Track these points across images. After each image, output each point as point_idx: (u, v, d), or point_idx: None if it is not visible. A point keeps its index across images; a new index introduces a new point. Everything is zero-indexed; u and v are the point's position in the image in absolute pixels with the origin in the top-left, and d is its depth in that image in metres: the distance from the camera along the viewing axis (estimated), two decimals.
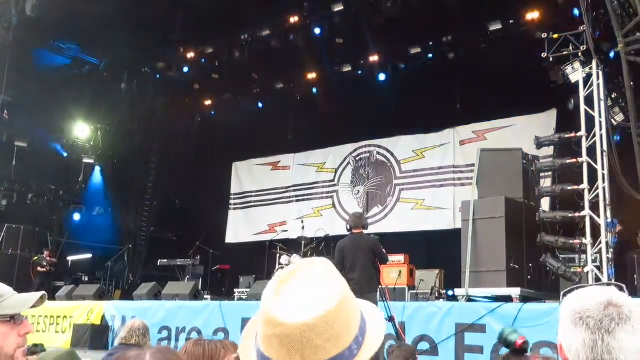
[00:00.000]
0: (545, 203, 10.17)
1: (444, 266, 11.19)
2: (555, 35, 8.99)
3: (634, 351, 1.38)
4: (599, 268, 8.03)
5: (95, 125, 17.09)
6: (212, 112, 17.67)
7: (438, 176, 14.20)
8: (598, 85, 8.59)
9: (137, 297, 11.49)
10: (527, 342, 2.43)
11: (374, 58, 14.31)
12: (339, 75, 15.02)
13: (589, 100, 8.63)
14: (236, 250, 16.52)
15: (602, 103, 8.54)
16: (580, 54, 8.71)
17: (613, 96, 9.02)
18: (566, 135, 8.75)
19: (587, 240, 8.10)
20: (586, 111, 8.59)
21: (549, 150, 10.27)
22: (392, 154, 15.12)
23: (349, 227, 7.84)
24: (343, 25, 13.15)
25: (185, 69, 15.87)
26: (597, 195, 8.22)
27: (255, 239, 16.32)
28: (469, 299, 7.91)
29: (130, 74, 16.18)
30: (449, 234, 12.31)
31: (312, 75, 15.31)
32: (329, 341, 1.14)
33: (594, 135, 8.46)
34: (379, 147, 15.36)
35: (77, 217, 17.04)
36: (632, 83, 7.64)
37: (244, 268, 14.03)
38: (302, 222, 13.09)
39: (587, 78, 8.77)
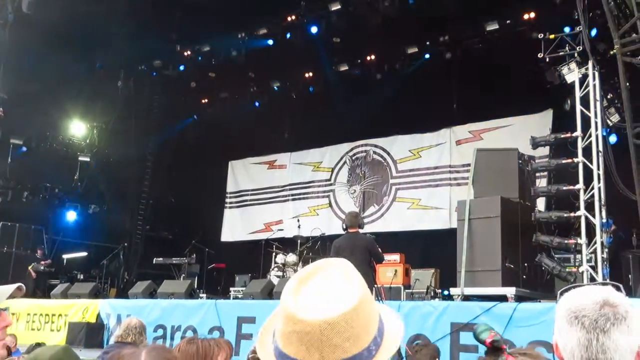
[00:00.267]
0: (540, 203, 10.19)
1: (440, 265, 11.20)
2: (552, 36, 9.01)
3: (629, 351, 1.39)
4: (594, 268, 8.05)
5: (91, 123, 17.06)
6: (209, 111, 17.66)
7: (434, 176, 14.22)
8: (594, 85, 8.62)
9: (132, 296, 11.46)
10: (497, 340, 2.42)
11: (371, 57, 14.34)
12: (335, 75, 15.03)
13: (585, 101, 8.65)
14: (232, 248, 16.53)
15: (598, 103, 8.57)
16: (576, 55, 8.73)
17: (609, 97, 9.05)
18: (562, 136, 8.77)
19: (582, 240, 8.12)
20: (582, 111, 8.62)
21: (545, 151, 10.29)
22: (388, 154, 15.13)
23: (344, 226, 7.85)
24: (340, 25, 13.16)
25: (182, 68, 15.86)
26: (593, 196, 8.25)
27: (251, 238, 16.33)
28: (465, 298, 7.92)
29: (127, 72, 16.17)
30: (444, 234, 12.33)
31: (308, 74, 15.33)
32: (348, 340, 1.15)
33: (590, 136, 8.48)
34: (375, 146, 15.37)
35: (72, 215, 17.00)
36: (627, 84, 7.66)
37: (239, 267, 14.03)
38: (298, 221, 13.11)
39: (583, 79, 8.79)
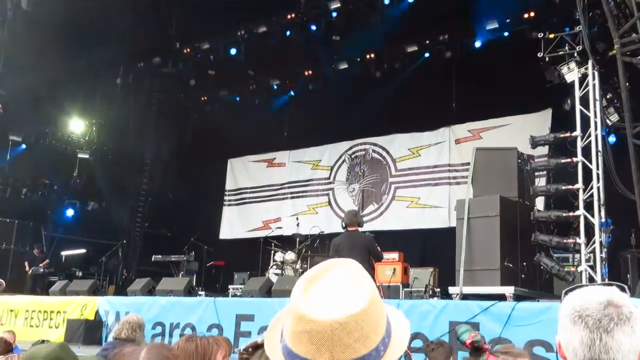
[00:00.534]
0: (539, 202, 10.19)
1: (438, 264, 11.21)
2: (552, 35, 9.02)
3: (632, 352, 1.39)
4: (593, 267, 8.07)
5: (90, 120, 17.04)
6: (208, 108, 17.64)
7: (433, 174, 14.22)
8: (593, 85, 8.63)
9: (131, 293, 11.46)
10: (478, 341, 2.42)
11: (371, 56, 14.33)
12: (335, 73, 15.02)
13: (584, 101, 8.66)
14: (230, 246, 16.53)
15: (598, 103, 8.57)
16: (576, 54, 8.74)
17: (608, 96, 9.05)
18: (561, 135, 8.78)
19: (581, 239, 8.13)
20: (581, 111, 8.63)
21: (544, 150, 10.30)
22: (387, 152, 15.13)
23: (344, 225, 7.86)
24: (340, 23, 13.15)
25: (181, 65, 15.84)
26: (592, 195, 8.26)
27: (250, 236, 16.32)
28: (463, 297, 7.93)
29: (126, 69, 16.14)
30: (443, 233, 12.33)
31: (308, 72, 15.32)
32: (358, 340, 1.15)
33: (589, 135, 8.49)
34: (375, 145, 15.37)
35: (71, 212, 16.99)
36: (627, 84, 7.66)
37: (238, 264, 14.04)
38: (297, 219, 13.10)
39: (583, 78, 8.80)
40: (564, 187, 8.54)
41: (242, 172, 17.75)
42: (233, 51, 14.79)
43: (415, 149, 14.65)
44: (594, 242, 8.13)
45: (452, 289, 8.23)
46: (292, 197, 16.49)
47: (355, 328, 1.14)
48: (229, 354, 2.83)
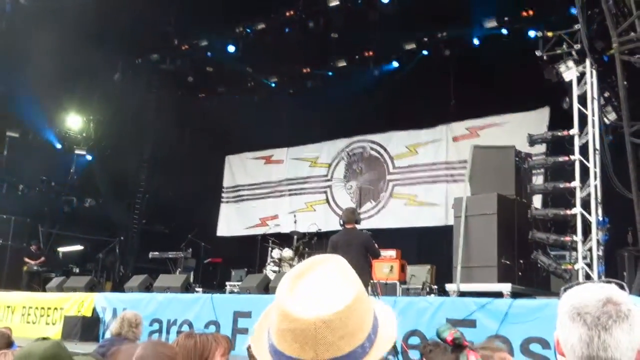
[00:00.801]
0: (537, 200, 10.21)
1: (436, 262, 11.23)
2: (550, 34, 9.01)
3: (630, 349, 1.39)
4: (590, 265, 8.08)
5: (88, 116, 17.03)
6: (206, 105, 17.62)
7: (431, 172, 14.23)
8: (591, 83, 8.63)
9: (128, 289, 11.46)
10: (458, 337, 2.47)
11: (369, 53, 14.32)
12: (333, 70, 15.02)
13: (582, 99, 8.68)
14: (228, 243, 16.53)
15: (595, 102, 8.59)
16: (574, 53, 8.74)
17: (606, 95, 9.06)
18: (559, 133, 8.79)
19: (578, 237, 8.15)
20: (579, 109, 8.64)
21: (541, 148, 10.31)
22: (385, 150, 15.13)
23: (341, 222, 7.87)
24: (338, 20, 13.14)
25: (179, 62, 15.81)
26: (589, 193, 8.27)
27: (247, 233, 16.33)
28: (460, 294, 7.95)
29: (124, 66, 16.11)
30: (440, 230, 12.34)
31: (306, 70, 15.30)
32: (342, 338, 1.15)
33: (587, 134, 8.51)
34: (372, 142, 15.37)
35: (68, 208, 16.96)
36: (625, 82, 7.67)
37: (235, 261, 14.04)
38: (295, 216, 13.11)
39: (581, 77, 8.81)
40: (561, 185, 8.55)
41: (240, 169, 17.74)
42: (231, 48, 14.77)
43: (412, 146, 14.65)
44: (590, 240, 8.14)
45: (449, 286, 8.25)
46: (290, 195, 16.49)
47: (340, 326, 1.14)
48: (228, 352, 2.83)
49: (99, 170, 17.18)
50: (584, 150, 8.50)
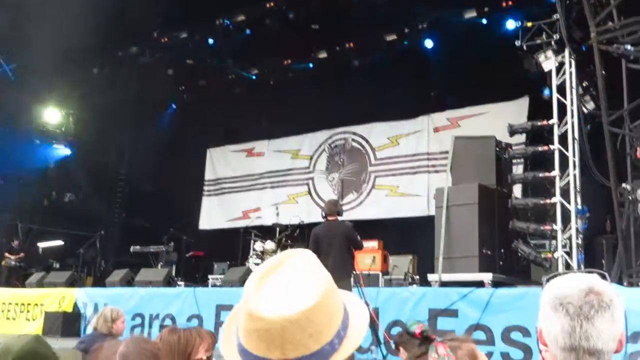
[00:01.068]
0: (517, 190, 10.29)
1: (418, 252, 11.28)
2: (529, 24, 9.07)
3: (611, 338, 1.40)
4: (569, 253, 8.18)
5: (66, 110, 16.83)
6: (186, 98, 17.49)
7: (412, 163, 14.27)
8: (570, 73, 8.71)
9: (109, 284, 11.39)
10: (426, 330, 2.55)
11: (350, 45, 14.28)
12: (314, 62, 14.97)
13: (561, 89, 8.75)
14: (210, 236, 16.47)
15: (574, 91, 8.67)
16: (553, 43, 8.81)
17: (584, 84, 9.14)
18: (539, 123, 8.86)
19: (558, 226, 8.24)
20: (558, 99, 8.72)
21: (521, 138, 10.39)
22: (366, 141, 15.15)
23: (324, 214, 7.87)
24: (319, 11, 13.09)
25: (159, 55, 15.66)
26: (568, 182, 8.36)
27: (229, 226, 16.27)
28: (442, 284, 8.01)
29: (103, 59, 15.92)
30: (422, 221, 12.39)
31: (287, 61, 15.23)
32: (310, 337, 1.14)
33: (566, 123, 8.59)
34: (354, 134, 15.38)
35: (47, 203, 16.78)
36: (603, 72, 7.75)
37: (218, 254, 13.99)
38: (277, 208, 13.08)
39: (560, 66, 8.88)
40: (541, 175, 8.63)
41: (222, 162, 17.65)
42: (211, 40, 14.66)
43: (394, 137, 14.68)
44: (570, 229, 8.24)
45: (431, 277, 8.31)
46: (272, 187, 16.45)
47: (307, 324, 1.13)
48: (212, 347, 2.82)
49: (78, 165, 17.00)
50: (563, 139, 8.58)
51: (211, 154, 17.84)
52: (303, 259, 1.26)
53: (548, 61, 8.94)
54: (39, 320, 10.98)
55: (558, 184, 8.39)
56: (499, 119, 11.50)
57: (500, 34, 11.53)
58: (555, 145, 8.54)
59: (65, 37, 14.08)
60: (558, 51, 8.84)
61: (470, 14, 12.49)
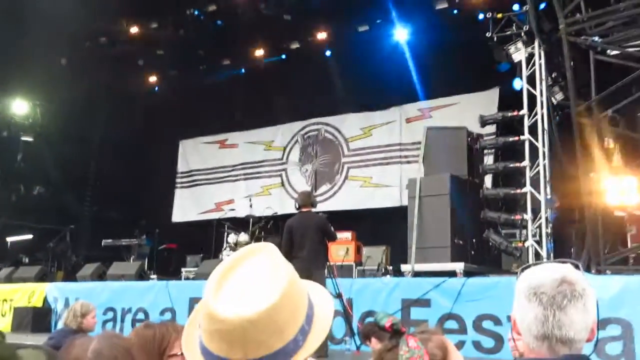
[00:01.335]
0: (488, 180, 10.41)
1: (390, 243, 11.34)
2: (499, 15, 9.15)
3: (584, 327, 1.43)
4: (539, 242, 8.31)
5: (34, 101, 16.49)
6: (158, 89, 17.27)
7: (385, 154, 14.34)
8: (540, 64, 8.82)
9: (80, 278, 11.26)
10: (396, 323, 2.53)
11: (322, 35, 14.25)
12: (287, 52, 14.91)
13: (531, 80, 8.86)
14: (183, 229, 16.35)
15: (544, 82, 8.78)
16: (522, 34, 8.90)
17: (553, 75, 9.26)
18: (509, 114, 8.97)
19: (528, 215, 8.36)
20: (528, 90, 8.82)
21: (492, 128, 10.50)
22: (339, 132, 15.17)
23: (297, 206, 7.86)
24: (291, 2, 13.02)
25: (129, 45, 15.43)
26: (538, 172, 8.48)
27: (202, 218, 16.18)
28: (415, 275, 8.07)
29: (71, 50, 15.62)
30: (395, 211, 12.48)
31: (259, 52, 15.13)
32: (272, 336, 1.12)
33: (536, 114, 8.71)
34: (327, 125, 15.38)
35: (15, 196, 16.47)
36: (572, 63, 7.85)
37: (191, 247, 13.90)
38: (250, 200, 13.04)
39: (530, 58, 8.99)
40: (511, 165, 8.75)
41: (194, 153, 17.53)
42: (182, 31, 14.48)
43: (366, 128, 14.72)
44: (540, 218, 8.37)
45: (404, 267, 8.36)
46: (245, 179, 16.39)
47: (268, 324, 1.11)
48: None
49: (47, 157, 16.68)
50: (533, 130, 8.70)
51: (183, 145, 17.70)
52: (265, 254, 1.24)
53: (518, 52, 9.05)
54: (8, 316, 10.80)
55: (528, 174, 8.51)
56: (469, 110, 11.61)
57: (471, 25, 11.59)
58: (526, 136, 8.66)
59: (32, 28, 13.82)
60: (528, 42, 8.95)
61: (442, 5, 12.54)
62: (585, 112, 7.66)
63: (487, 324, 6.78)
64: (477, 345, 6.79)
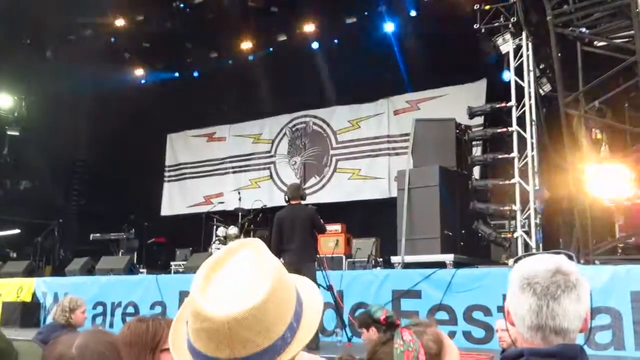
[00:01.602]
0: (476, 171, 10.45)
1: (380, 234, 11.37)
2: (487, 7, 9.15)
3: (577, 317, 1.44)
4: (528, 233, 8.37)
5: (19, 95, 16.33)
6: (144, 82, 17.15)
7: (373, 146, 14.35)
8: (527, 56, 8.85)
9: (69, 273, 11.20)
10: (390, 316, 2.52)
11: (310, 28, 14.20)
12: (274, 45, 14.85)
13: (519, 71, 8.89)
14: (172, 222, 16.31)
15: (532, 74, 8.81)
16: (510, 26, 8.92)
17: (541, 67, 9.30)
18: (497, 105, 9.00)
19: (517, 206, 8.41)
20: (516, 82, 8.86)
21: (480, 120, 10.53)
22: (327, 125, 15.15)
23: (286, 198, 7.85)
24: None
25: (115, 38, 15.30)
26: (526, 163, 8.53)
27: (191, 211, 16.14)
28: (405, 266, 8.10)
29: (57, 42, 15.47)
30: (384, 203, 12.51)
31: (247, 45, 15.06)
32: (259, 334, 1.11)
33: (524, 105, 8.74)
34: (315, 117, 15.36)
35: (2, 191, 16.33)
36: (559, 54, 7.89)
37: (180, 241, 13.87)
38: (239, 193, 13.02)
39: (517, 49, 9.01)
40: (500, 156, 8.79)
41: (182, 147, 17.47)
42: (168, 23, 14.37)
43: (355, 120, 14.72)
44: (528, 209, 8.42)
45: (394, 259, 8.39)
46: (234, 172, 16.35)
47: (255, 322, 1.10)
48: None
49: (33, 151, 16.53)
50: (521, 121, 8.74)
51: (171, 139, 17.62)
52: (251, 249, 1.22)
53: (506, 44, 9.07)
54: None
55: (517, 165, 8.55)
56: (457, 102, 11.63)
57: (459, 17, 11.59)
58: (514, 127, 8.69)
59: (15, 20, 13.67)
60: (515, 34, 8.97)
61: None
62: (572, 103, 7.71)
63: (477, 315, 6.83)
64: (467, 335, 6.83)
